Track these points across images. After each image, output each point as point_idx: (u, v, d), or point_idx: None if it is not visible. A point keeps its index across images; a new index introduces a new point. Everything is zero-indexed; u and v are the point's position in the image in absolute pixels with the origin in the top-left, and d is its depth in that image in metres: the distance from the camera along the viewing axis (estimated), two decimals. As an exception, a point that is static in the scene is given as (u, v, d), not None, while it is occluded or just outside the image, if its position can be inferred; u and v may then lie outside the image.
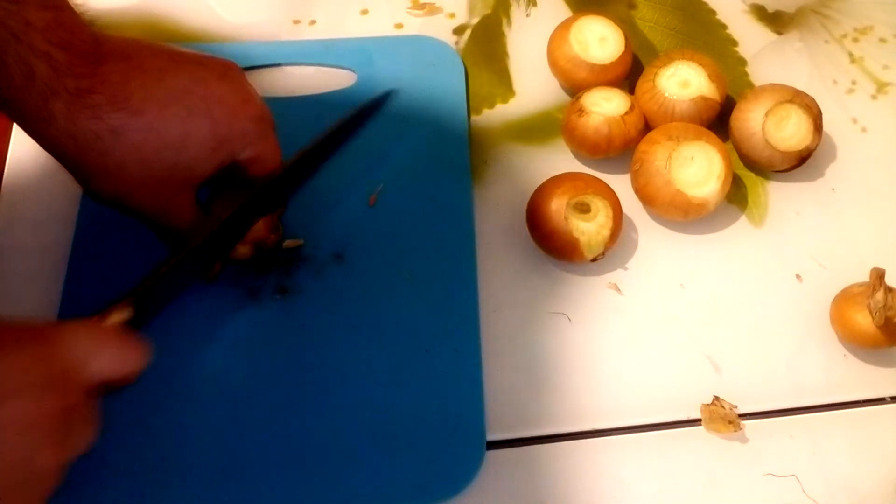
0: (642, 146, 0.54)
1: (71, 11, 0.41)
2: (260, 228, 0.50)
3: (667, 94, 0.56)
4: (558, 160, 0.58)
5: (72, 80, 0.40)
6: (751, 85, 0.62)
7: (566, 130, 0.57)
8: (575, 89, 0.59)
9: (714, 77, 0.56)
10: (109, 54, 0.43)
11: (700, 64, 0.57)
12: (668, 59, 0.57)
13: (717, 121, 0.58)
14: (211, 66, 0.47)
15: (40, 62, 0.39)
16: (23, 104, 0.40)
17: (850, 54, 0.65)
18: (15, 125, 0.57)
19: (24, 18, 0.39)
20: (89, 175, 0.43)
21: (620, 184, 0.55)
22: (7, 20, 0.38)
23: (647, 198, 0.54)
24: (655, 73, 0.57)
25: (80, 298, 0.51)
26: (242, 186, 0.50)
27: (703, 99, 0.56)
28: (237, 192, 0.50)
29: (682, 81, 0.57)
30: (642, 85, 0.58)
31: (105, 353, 0.39)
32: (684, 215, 0.54)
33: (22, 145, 0.56)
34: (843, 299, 0.52)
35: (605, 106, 0.55)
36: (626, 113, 0.55)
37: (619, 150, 0.56)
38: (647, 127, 0.57)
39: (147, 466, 0.46)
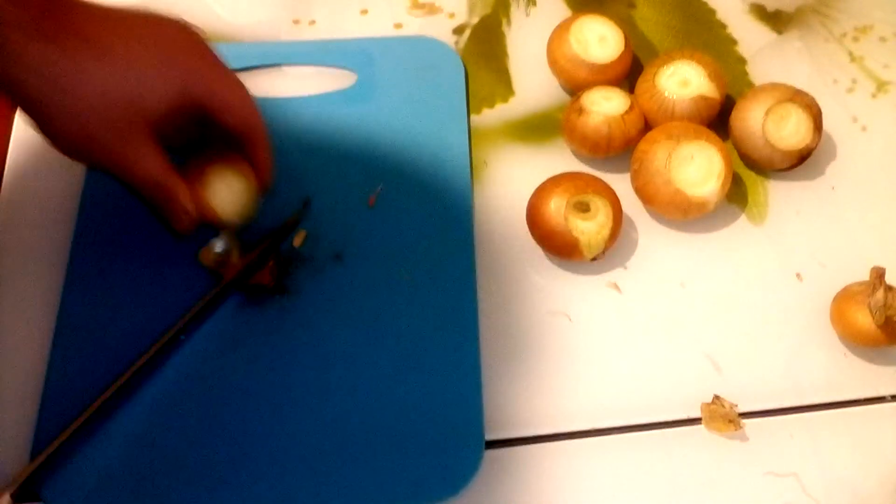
0: (642, 145, 0.54)
1: None
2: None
3: (666, 94, 0.56)
4: (558, 160, 0.58)
5: (31, 12, 0.41)
6: (751, 84, 0.62)
7: (566, 130, 0.57)
8: (575, 89, 0.59)
9: (714, 76, 0.56)
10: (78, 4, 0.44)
11: (700, 63, 0.56)
12: (668, 59, 0.57)
13: (717, 120, 0.57)
14: (168, 16, 0.48)
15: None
16: None
17: (850, 53, 0.65)
18: (15, 125, 0.57)
19: None
20: (51, 117, 0.43)
21: (620, 183, 0.55)
22: None
23: (646, 197, 0.54)
24: (655, 73, 0.57)
25: (80, 299, 0.51)
26: (217, 145, 0.51)
27: (703, 98, 0.56)
28: (212, 152, 0.50)
29: (682, 81, 0.57)
30: (642, 84, 0.58)
31: None
32: (684, 214, 0.54)
33: (22, 145, 0.57)
34: (844, 298, 0.52)
35: (605, 105, 0.55)
36: (626, 112, 0.55)
37: (620, 150, 0.56)
38: (647, 126, 0.57)
39: (145, 466, 0.46)
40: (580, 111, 0.55)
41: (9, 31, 0.40)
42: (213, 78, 0.48)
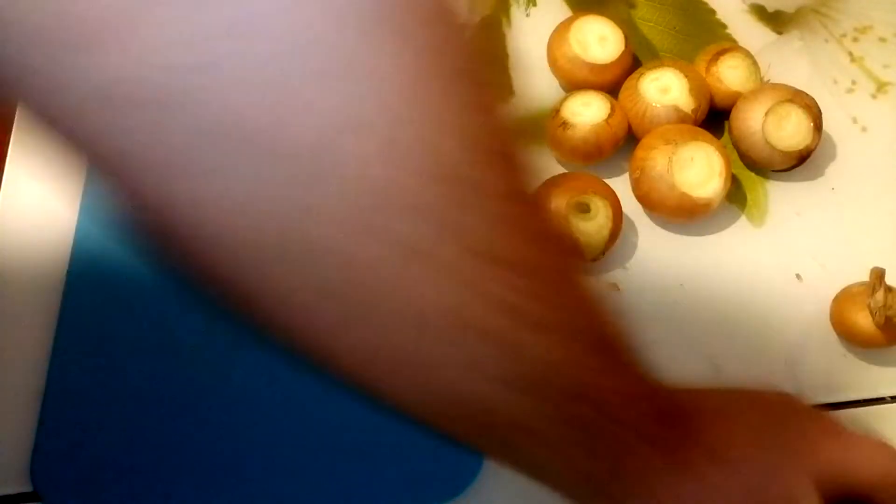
0: (640, 153, 0.54)
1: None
2: None
3: (644, 98, 0.56)
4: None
5: (645, 408, 0.32)
6: (751, 84, 0.62)
7: (553, 144, 0.56)
8: (575, 89, 0.58)
9: (694, 90, 0.56)
10: (692, 407, 0.35)
11: (686, 74, 0.56)
12: (658, 64, 0.57)
13: (716, 120, 0.57)
14: (772, 393, 0.39)
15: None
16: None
17: (850, 54, 0.65)
18: (14, 125, 0.57)
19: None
20: None
21: (619, 183, 0.55)
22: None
23: (651, 204, 0.54)
24: (640, 75, 0.57)
25: (80, 300, 0.51)
26: None
27: (676, 109, 0.55)
28: None
29: (663, 88, 0.56)
30: (627, 84, 0.57)
31: None
32: (690, 217, 0.54)
33: (22, 145, 0.56)
34: (844, 299, 0.52)
35: (587, 113, 0.55)
36: (610, 116, 0.55)
37: (610, 153, 0.56)
38: (630, 127, 0.56)
39: (147, 468, 0.46)
40: (564, 125, 0.55)
41: (628, 437, 0.31)
42: (845, 457, 0.36)
